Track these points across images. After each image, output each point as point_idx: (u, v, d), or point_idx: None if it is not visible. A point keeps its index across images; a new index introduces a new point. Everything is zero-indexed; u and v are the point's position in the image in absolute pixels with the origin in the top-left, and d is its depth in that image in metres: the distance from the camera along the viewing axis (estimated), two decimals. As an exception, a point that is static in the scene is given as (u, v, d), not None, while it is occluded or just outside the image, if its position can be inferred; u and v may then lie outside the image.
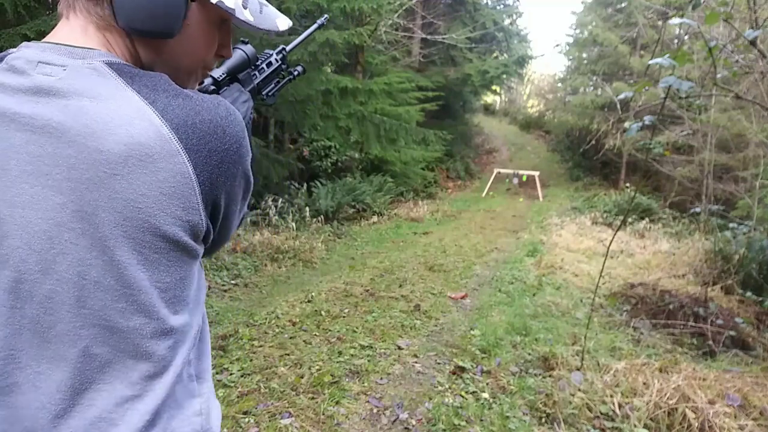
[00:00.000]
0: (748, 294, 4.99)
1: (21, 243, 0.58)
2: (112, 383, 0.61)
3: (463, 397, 2.91)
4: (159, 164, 0.58)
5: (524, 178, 16.01)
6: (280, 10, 0.96)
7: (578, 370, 3.12)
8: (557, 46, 47.10)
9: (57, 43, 0.63)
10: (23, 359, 0.59)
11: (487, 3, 20.43)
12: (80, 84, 0.59)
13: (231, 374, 2.98)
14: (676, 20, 2.61)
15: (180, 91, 0.62)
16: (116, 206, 0.57)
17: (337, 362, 3.26)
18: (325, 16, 1.14)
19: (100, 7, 0.63)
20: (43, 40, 0.64)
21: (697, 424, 2.49)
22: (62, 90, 0.59)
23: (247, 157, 0.67)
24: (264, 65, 0.97)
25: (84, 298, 0.58)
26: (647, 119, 2.88)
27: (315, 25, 1.12)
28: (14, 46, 0.66)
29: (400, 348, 3.62)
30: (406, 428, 2.59)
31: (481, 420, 2.67)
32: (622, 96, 3.18)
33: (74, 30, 0.64)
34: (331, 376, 3.02)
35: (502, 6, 21.71)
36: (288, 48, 1.01)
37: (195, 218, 0.61)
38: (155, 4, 0.62)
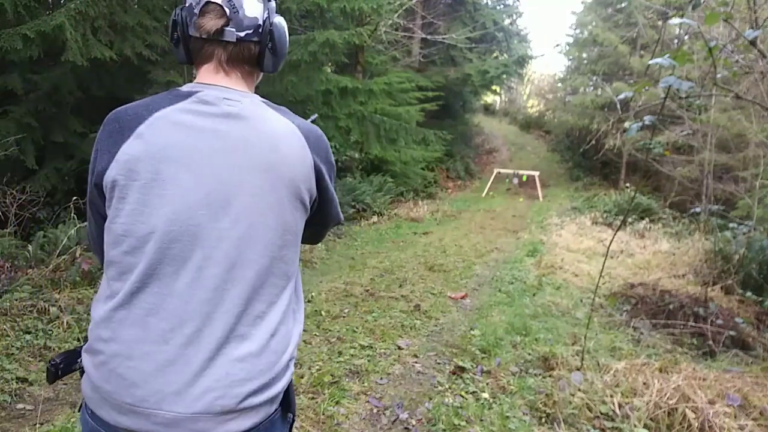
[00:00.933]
0: (748, 294, 4.99)
1: (238, 209, 0.91)
2: (267, 292, 0.94)
3: (463, 397, 2.91)
4: (302, 159, 0.97)
5: (524, 178, 16.00)
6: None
7: (578, 370, 3.11)
8: (557, 46, 47.08)
9: (229, 88, 0.98)
10: (219, 283, 0.89)
11: (487, 3, 20.41)
12: (253, 112, 0.97)
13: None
14: (676, 20, 2.61)
15: (295, 115, 1.04)
16: (285, 182, 0.94)
17: (337, 362, 3.26)
18: (315, 114, 1.60)
19: (254, 67, 1.04)
20: (207, 82, 0.99)
21: (697, 424, 2.49)
22: (243, 115, 0.95)
23: (327, 145, 1.07)
24: None
25: (267, 238, 0.93)
26: (647, 119, 2.87)
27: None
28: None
29: (400, 348, 3.62)
30: (406, 428, 2.59)
31: (481, 420, 2.67)
32: (622, 96, 3.17)
33: (236, 81, 1.01)
34: (331, 376, 3.02)
35: (502, 6, 21.69)
36: None
37: (312, 185, 0.99)
38: (282, 57, 1.06)
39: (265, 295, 0.94)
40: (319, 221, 1.10)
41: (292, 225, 0.97)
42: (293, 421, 1.06)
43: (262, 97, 1.06)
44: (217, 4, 0.95)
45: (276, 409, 0.98)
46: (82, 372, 0.95)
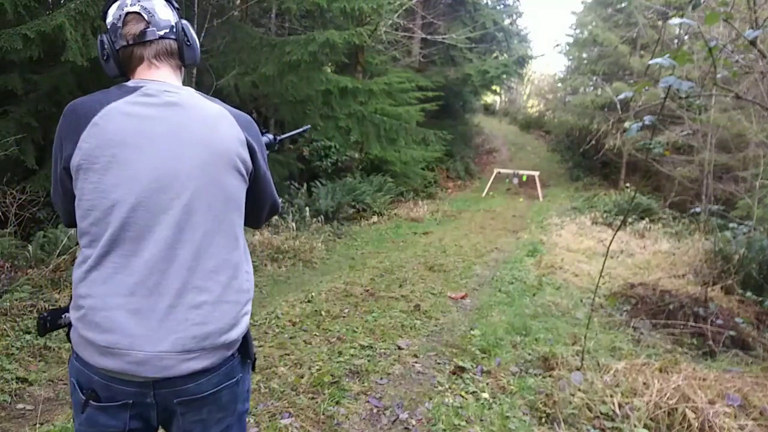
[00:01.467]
0: (748, 294, 4.98)
1: (185, 179, 1.09)
2: (217, 251, 1.12)
3: (463, 397, 2.91)
4: (234, 135, 1.16)
5: (524, 178, 16.00)
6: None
7: (578, 370, 3.11)
8: (557, 46, 46.91)
9: (165, 82, 1.17)
10: (171, 243, 1.07)
11: (487, 3, 20.41)
12: (189, 100, 1.16)
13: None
14: (676, 20, 2.61)
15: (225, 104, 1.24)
16: (221, 155, 1.13)
17: (337, 362, 3.26)
18: (308, 126, 1.85)
19: (176, 60, 1.22)
20: (148, 78, 1.16)
21: (697, 424, 2.49)
22: (181, 103, 1.14)
23: (258, 129, 1.27)
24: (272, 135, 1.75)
25: (210, 204, 1.11)
26: (647, 119, 2.87)
27: (300, 129, 1.97)
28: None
29: (400, 348, 3.62)
30: (406, 428, 2.59)
31: (481, 420, 2.67)
32: (622, 96, 3.17)
33: (168, 74, 1.19)
34: (331, 376, 3.01)
35: (502, 6, 21.70)
36: (279, 138, 1.76)
37: (245, 157, 1.17)
38: (197, 50, 1.26)
39: (214, 253, 1.11)
40: (257, 196, 1.28)
41: (233, 191, 1.16)
42: (254, 362, 1.26)
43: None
44: (135, 12, 1.15)
45: (232, 355, 1.16)
46: (69, 326, 1.13)
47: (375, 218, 9.81)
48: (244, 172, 1.18)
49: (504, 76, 18.41)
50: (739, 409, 2.66)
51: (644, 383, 2.84)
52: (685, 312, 4.54)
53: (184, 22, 1.23)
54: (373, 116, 9.37)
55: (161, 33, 1.17)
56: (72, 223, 1.18)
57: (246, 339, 1.20)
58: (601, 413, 2.68)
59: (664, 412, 2.59)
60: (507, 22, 21.11)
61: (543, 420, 2.69)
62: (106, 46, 1.18)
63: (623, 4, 17.75)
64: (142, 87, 1.13)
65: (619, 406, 2.69)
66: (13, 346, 3.10)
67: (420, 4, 15.49)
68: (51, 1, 5.79)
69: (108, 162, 1.06)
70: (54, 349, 3.17)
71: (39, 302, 3.56)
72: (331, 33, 7.08)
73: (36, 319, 1.14)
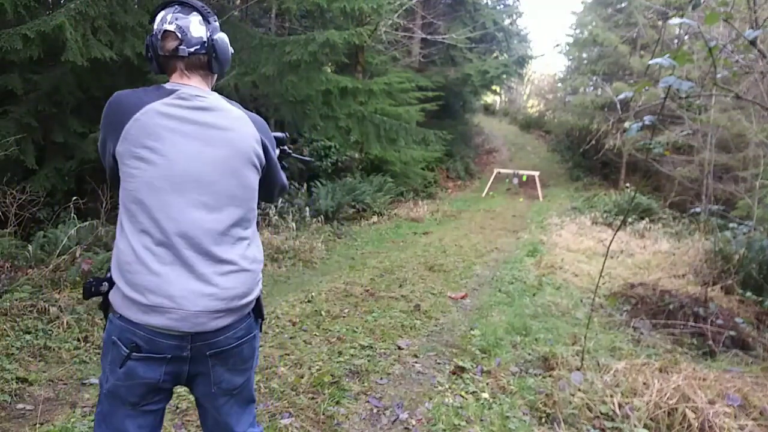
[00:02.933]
0: (748, 294, 4.98)
1: (210, 170, 1.31)
2: (237, 230, 1.35)
3: (463, 397, 2.91)
4: (251, 134, 1.40)
5: (524, 178, 16.00)
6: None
7: (578, 370, 3.11)
8: (557, 46, 46.84)
9: (198, 87, 1.38)
10: (201, 222, 1.30)
11: (487, 3, 20.40)
12: (217, 105, 1.38)
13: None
14: (676, 20, 2.61)
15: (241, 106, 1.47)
16: (240, 152, 1.36)
17: (337, 362, 3.26)
18: (312, 159, 2.29)
19: (207, 70, 1.42)
20: (181, 82, 1.38)
21: (697, 424, 2.49)
22: (209, 107, 1.36)
23: (268, 128, 1.52)
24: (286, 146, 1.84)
25: (232, 191, 1.34)
26: (647, 119, 2.87)
27: (305, 158, 2.22)
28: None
29: (400, 348, 3.62)
30: (406, 428, 2.59)
31: (481, 420, 2.67)
32: (622, 96, 3.17)
33: (198, 82, 1.40)
34: (331, 376, 3.01)
35: (502, 6, 21.70)
36: (289, 149, 1.91)
37: (260, 153, 1.42)
38: (225, 63, 1.45)
39: (234, 232, 1.34)
40: (269, 182, 1.53)
41: (249, 181, 1.39)
42: (262, 322, 1.50)
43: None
44: (171, 31, 1.36)
45: (248, 314, 1.40)
46: (105, 295, 1.33)
47: (375, 218, 9.81)
48: (258, 166, 1.42)
49: (504, 76, 18.40)
50: (739, 409, 2.66)
51: (644, 383, 2.84)
52: (685, 312, 4.54)
53: (216, 36, 1.40)
54: (373, 116, 9.35)
55: (191, 50, 1.37)
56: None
57: (258, 301, 1.44)
58: (601, 413, 2.68)
59: (664, 412, 2.59)
60: (507, 22, 21.10)
61: (543, 420, 2.69)
62: (150, 49, 1.39)
63: (623, 4, 17.76)
64: (177, 90, 1.34)
65: (619, 406, 2.69)
66: (13, 346, 3.10)
67: (420, 4, 15.48)
68: (51, 1, 5.79)
69: (148, 152, 1.27)
70: (54, 349, 3.17)
71: (39, 302, 3.56)
72: (331, 33, 7.06)
73: (83, 283, 1.45)
